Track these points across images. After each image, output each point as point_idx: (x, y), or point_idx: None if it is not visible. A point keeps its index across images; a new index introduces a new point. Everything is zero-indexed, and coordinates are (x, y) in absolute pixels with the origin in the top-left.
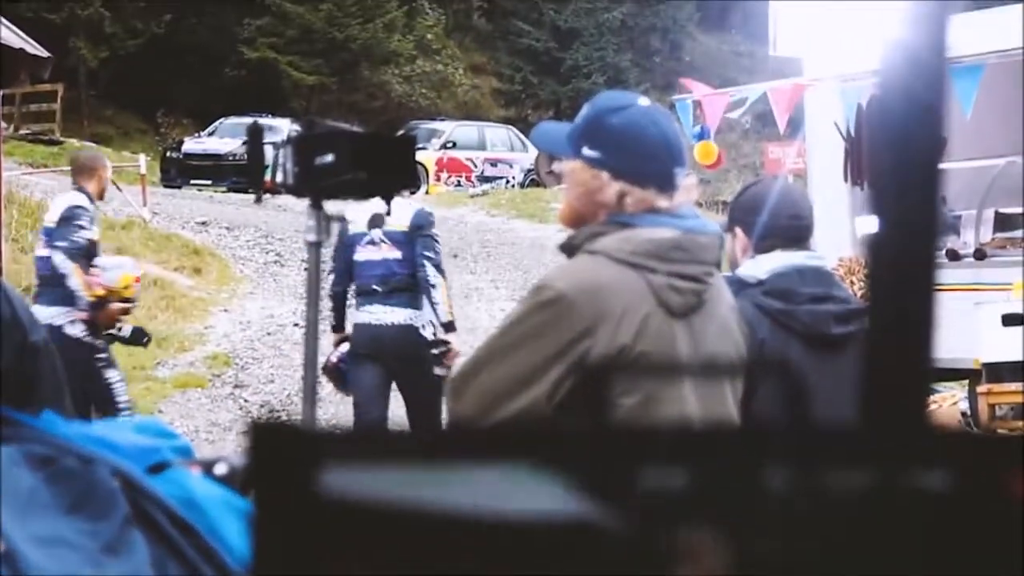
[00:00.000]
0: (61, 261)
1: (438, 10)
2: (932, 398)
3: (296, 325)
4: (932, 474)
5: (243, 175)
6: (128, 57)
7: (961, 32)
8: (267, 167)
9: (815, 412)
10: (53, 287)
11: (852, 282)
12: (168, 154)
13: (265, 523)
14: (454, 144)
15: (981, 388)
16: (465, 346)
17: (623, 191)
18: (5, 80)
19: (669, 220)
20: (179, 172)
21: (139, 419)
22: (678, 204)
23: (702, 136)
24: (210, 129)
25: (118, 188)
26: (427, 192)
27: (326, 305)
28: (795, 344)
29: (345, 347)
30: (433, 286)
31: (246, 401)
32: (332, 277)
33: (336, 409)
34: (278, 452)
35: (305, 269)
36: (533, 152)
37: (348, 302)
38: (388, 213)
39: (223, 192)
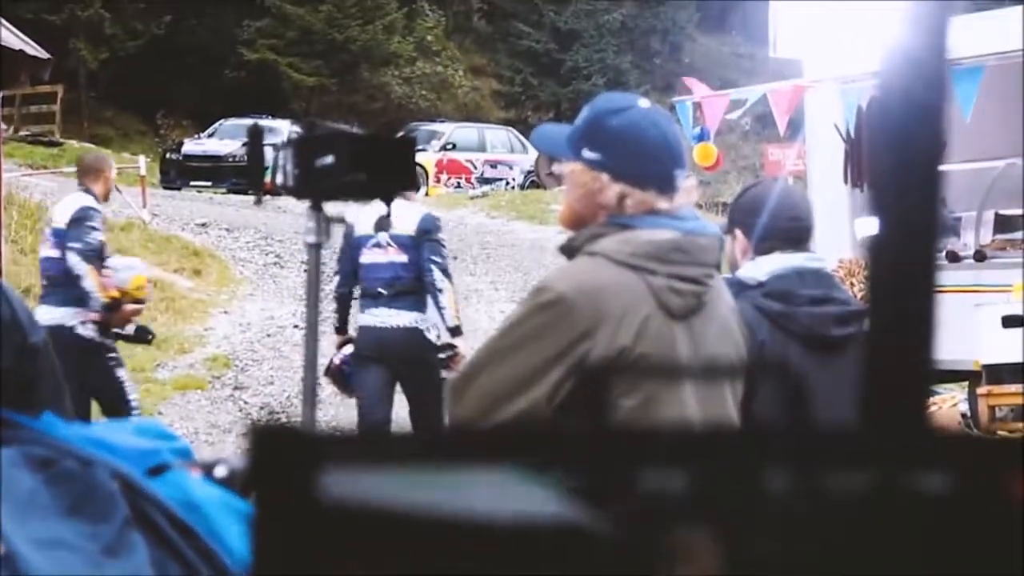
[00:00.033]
0: (76, 262)
1: (438, 12)
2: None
3: (296, 327)
4: (932, 476)
5: (243, 177)
6: (128, 58)
7: (961, 34)
8: (267, 169)
9: (815, 414)
10: (63, 288)
11: (852, 284)
12: (168, 155)
13: (265, 526)
14: (454, 146)
15: (981, 390)
16: (465, 348)
17: (623, 193)
18: (5, 81)
19: (669, 222)
20: (179, 173)
21: (139, 421)
22: (678, 206)
23: (702, 138)
24: (210, 130)
25: (118, 190)
26: (427, 194)
27: (327, 307)
28: (795, 346)
29: (348, 349)
30: (440, 291)
31: (246, 403)
32: (337, 279)
33: (336, 411)
34: (278, 454)
35: (305, 271)
36: (533, 154)
37: (351, 304)
38: (388, 215)
39: (223, 194)
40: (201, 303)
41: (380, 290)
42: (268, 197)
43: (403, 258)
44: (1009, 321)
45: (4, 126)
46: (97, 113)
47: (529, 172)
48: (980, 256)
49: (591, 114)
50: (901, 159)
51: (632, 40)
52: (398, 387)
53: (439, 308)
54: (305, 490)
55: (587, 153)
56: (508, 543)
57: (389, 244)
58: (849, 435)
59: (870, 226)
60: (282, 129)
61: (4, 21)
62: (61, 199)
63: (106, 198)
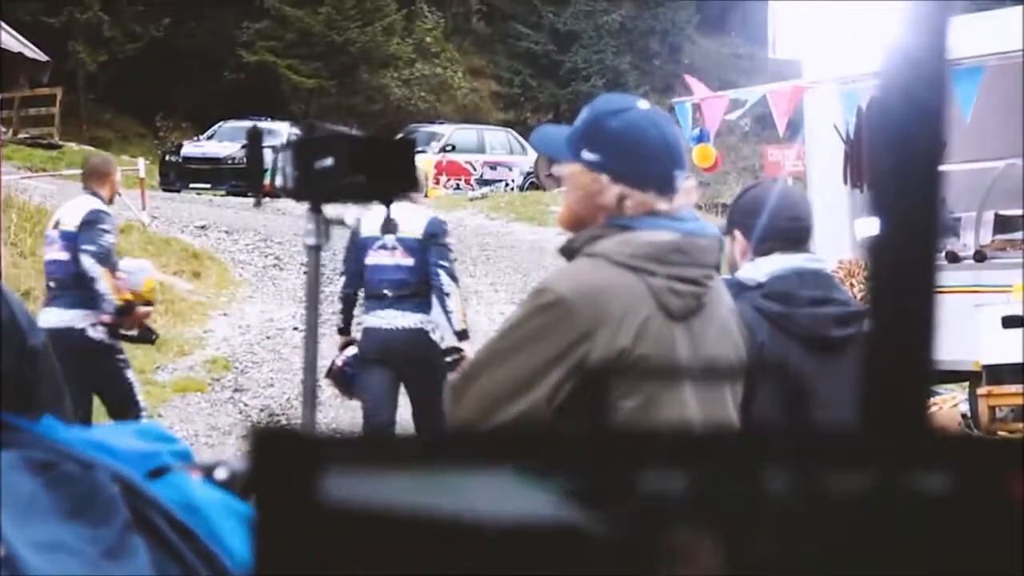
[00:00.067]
0: (91, 265)
1: (437, 13)
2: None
3: (296, 329)
4: (932, 476)
5: (242, 179)
6: (127, 61)
7: (961, 34)
8: (266, 171)
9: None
10: (73, 290)
11: (852, 284)
12: (167, 158)
13: (266, 528)
14: (453, 147)
15: (981, 390)
16: (469, 351)
17: (623, 194)
18: (4, 84)
19: (669, 223)
20: (178, 176)
21: (139, 423)
22: (678, 207)
23: (701, 139)
24: (209, 133)
25: (118, 192)
26: (426, 195)
27: (326, 308)
28: (794, 347)
29: (351, 351)
30: (447, 294)
31: (246, 405)
32: (343, 280)
33: (336, 413)
34: (278, 457)
35: (304, 273)
36: (532, 155)
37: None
38: (388, 216)
39: (222, 196)
40: (201, 305)
41: (385, 292)
42: (267, 199)
43: (409, 261)
44: (1009, 321)
45: (3, 129)
46: (96, 115)
47: (528, 174)
48: (980, 256)
49: (590, 115)
50: (901, 159)
51: (631, 41)
52: (402, 389)
53: (446, 312)
54: (305, 492)
55: (586, 154)
56: (508, 545)
57: (395, 246)
58: (849, 436)
59: (870, 227)
60: (281, 131)
61: (3, 24)
62: (64, 202)
63: (111, 200)
